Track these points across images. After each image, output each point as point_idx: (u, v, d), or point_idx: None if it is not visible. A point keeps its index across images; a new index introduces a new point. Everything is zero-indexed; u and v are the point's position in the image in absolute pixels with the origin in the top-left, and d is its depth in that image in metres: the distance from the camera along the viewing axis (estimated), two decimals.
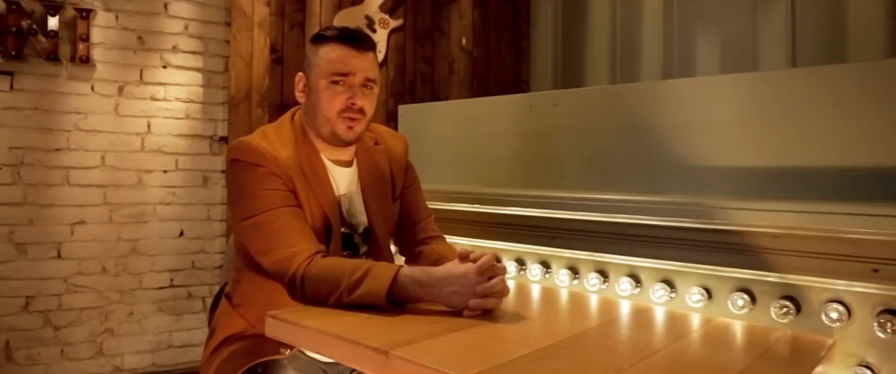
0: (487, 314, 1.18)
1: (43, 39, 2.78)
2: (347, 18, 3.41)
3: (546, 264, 1.63)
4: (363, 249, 1.53)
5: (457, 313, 1.18)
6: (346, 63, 1.39)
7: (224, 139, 3.22)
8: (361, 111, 1.41)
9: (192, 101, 3.15)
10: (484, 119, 1.88)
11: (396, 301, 1.20)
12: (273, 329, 1.15)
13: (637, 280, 1.45)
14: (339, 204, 1.48)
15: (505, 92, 3.96)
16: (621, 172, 1.55)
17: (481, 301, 1.17)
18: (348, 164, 1.51)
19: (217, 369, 1.43)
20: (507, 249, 1.70)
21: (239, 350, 1.43)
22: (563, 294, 1.50)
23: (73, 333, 2.91)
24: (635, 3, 3.05)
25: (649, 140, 1.51)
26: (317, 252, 1.31)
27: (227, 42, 3.19)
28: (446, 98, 3.77)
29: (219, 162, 3.23)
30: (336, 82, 1.39)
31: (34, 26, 2.76)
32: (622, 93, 1.59)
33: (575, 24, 3.52)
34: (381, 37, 3.49)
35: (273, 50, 3.24)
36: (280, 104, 3.28)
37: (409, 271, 1.21)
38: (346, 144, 1.45)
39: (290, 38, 3.31)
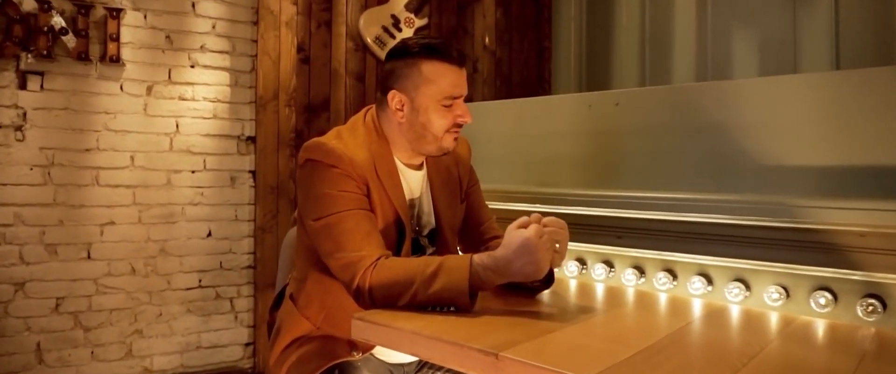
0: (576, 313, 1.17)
1: (73, 39, 2.75)
2: (374, 17, 3.41)
3: (609, 264, 1.63)
4: (430, 250, 1.52)
5: (546, 312, 1.17)
6: (456, 85, 1.39)
7: (251, 139, 3.20)
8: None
9: (219, 100, 3.13)
10: (539, 119, 1.88)
11: (474, 292, 1.19)
12: (360, 331, 1.14)
13: (708, 279, 1.44)
14: (410, 206, 1.48)
15: (528, 92, 3.96)
16: (688, 172, 1.55)
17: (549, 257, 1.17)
18: (419, 167, 1.50)
19: (288, 371, 1.42)
20: (568, 248, 1.70)
21: (309, 352, 1.42)
22: (631, 293, 1.49)
23: (103, 334, 2.89)
24: (666, 2, 3.05)
25: (719, 140, 1.50)
26: (381, 256, 1.30)
27: (255, 41, 3.18)
28: (470, 98, 3.76)
29: (246, 162, 3.21)
30: (447, 105, 1.39)
31: (65, 26, 2.73)
32: (689, 93, 1.58)
33: (600, 23, 3.51)
34: (406, 36, 3.48)
35: (300, 49, 3.23)
36: (307, 104, 3.27)
37: (479, 259, 1.20)
38: (447, 153, 1.45)
39: (317, 38, 3.30)
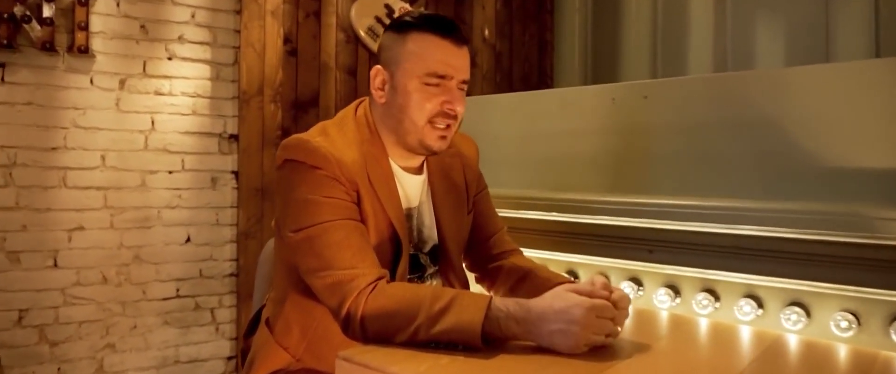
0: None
1: (38, 28, 2.53)
2: (367, 7, 3.20)
3: (638, 282, 1.42)
4: (431, 269, 1.31)
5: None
6: (445, 63, 1.17)
7: (234, 137, 3.00)
8: (456, 117, 1.20)
9: (199, 95, 2.92)
10: (554, 114, 1.66)
11: (487, 338, 0.99)
12: None
13: (759, 302, 1.23)
14: (408, 218, 1.26)
15: (529, 88, 3.77)
16: (734, 176, 1.34)
17: (594, 339, 0.97)
18: (418, 170, 1.29)
19: None
20: (587, 263, 1.49)
21: None
22: (664, 317, 1.28)
23: (71, 349, 2.67)
24: None
25: (771, 137, 1.29)
26: (380, 277, 1.09)
27: (238, 32, 2.97)
28: (469, 94, 3.56)
29: (229, 162, 3.00)
30: (431, 84, 1.17)
31: (28, 13, 2.51)
32: (733, 83, 1.37)
33: (607, 13, 3.31)
34: None
35: (287, 41, 3.02)
36: (294, 100, 3.07)
37: (502, 304, 1.00)
38: (434, 154, 1.23)
39: (305, 28, 3.09)
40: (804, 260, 1.16)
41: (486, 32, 3.64)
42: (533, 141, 1.71)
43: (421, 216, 1.28)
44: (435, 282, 1.33)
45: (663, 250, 1.34)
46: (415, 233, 1.28)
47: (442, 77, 1.17)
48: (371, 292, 1.05)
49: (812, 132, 1.25)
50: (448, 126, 1.20)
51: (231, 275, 3.01)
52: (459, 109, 1.19)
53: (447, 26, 1.19)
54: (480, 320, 0.97)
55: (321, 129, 1.22)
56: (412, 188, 1.26)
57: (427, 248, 1.29)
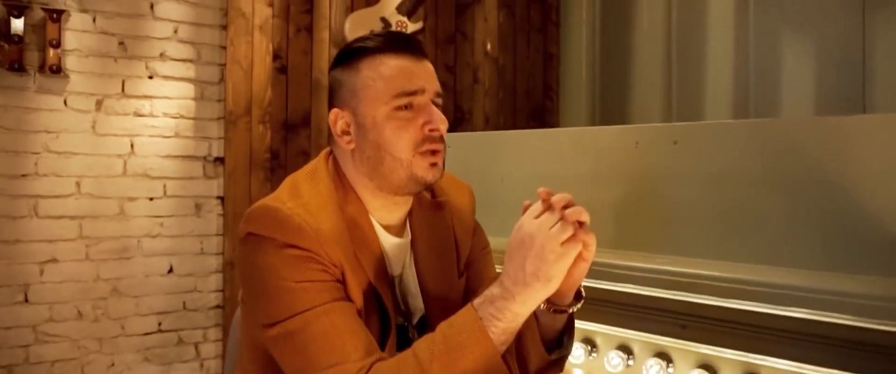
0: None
1: (6, 46, 2.38)
2: (361, 21, 3.02)
3: (667, 357, 1.23)
4: None
5: None
6: (409, 78, 1.01)
7: (220, 160, 2.83)
8: (442, 138, 1.02)
9: (182, 116, 2.78)
10: (567, 158, 1.47)
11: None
12: None
13: None
14: (393, 286, 1.08)
15: (533, 104, 3.60)
16: (780, 242, 1.16)
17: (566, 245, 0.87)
18: (400, 231, 1.10)
19: None
20: (606, 333, 1.30)
21: None
22: None
23: None
24: (698, 3, 2.66)
25: (826, 198, 1.10)
26: (376, 361, 0.93)
27: (224, 48, 2.82)
28: (470, 111, 3.40)
29: (214, 187, 2.85)
30: (402, 107, 0.99)
31: None
32: (783, 130, 1.19)
33: (617, 27, 3.13)
34: None
35: (276, 57, 2.88)
36: (285, 120, 2.92)
37: (480, 299, 0.92)
38: (428, 186, 1.06)
39: (295, 44, 2.94)
40: (872, 352, 0.98)
41: (489, 46, 3.47)
42: (544, 186, 1.51)
43: (404, 284, 1.11)
44: None
45: (697, 327, 1.15)
46: (400, 303, 1.11)
47: (412, 94, 1.00)
48: None
49: (885, 194, 1.06)
50: (436, 152, 1.03)
51: (217, 307, 2.86)
52: (443, 127, 1.03)
53: (400, 41, 1.03)
54: (494, 350, 0.88)
55: (291, 186, 1.03)
56: (394, 252, 1.08)
57: (415, 319, 1.12)
